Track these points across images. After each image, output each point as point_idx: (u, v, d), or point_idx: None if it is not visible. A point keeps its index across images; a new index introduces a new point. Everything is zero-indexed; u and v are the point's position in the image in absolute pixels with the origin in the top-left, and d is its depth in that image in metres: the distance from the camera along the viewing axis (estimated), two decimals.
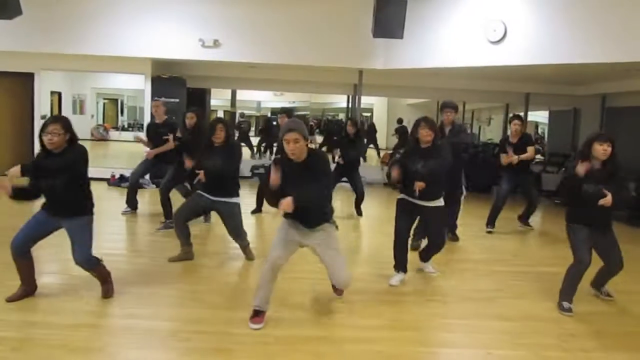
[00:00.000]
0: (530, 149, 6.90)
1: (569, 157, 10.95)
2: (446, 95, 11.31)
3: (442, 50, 8.41)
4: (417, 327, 3.87)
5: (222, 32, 9.15)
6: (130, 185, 7.26)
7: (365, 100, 10.70)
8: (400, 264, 4.84)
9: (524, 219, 7.42)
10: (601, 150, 4.12)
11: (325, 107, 20.29)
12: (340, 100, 17.08)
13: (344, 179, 7.58)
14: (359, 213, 7.74)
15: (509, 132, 7.15)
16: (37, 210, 3.99)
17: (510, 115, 7.49)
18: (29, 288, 4.05)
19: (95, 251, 5.15)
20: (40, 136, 3.72)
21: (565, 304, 4.27)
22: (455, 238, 6.44)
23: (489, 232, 7.06)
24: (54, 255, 5.14)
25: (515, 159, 6.77)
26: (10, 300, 3.93)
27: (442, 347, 3.67)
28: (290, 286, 4.51)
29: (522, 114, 11.26)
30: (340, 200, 8.67)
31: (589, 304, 4.46)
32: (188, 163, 5.19)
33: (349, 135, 7.42)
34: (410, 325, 3.89)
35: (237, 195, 5.14)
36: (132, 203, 7.27)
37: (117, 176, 9.73)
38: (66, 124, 3.76)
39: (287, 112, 7.70)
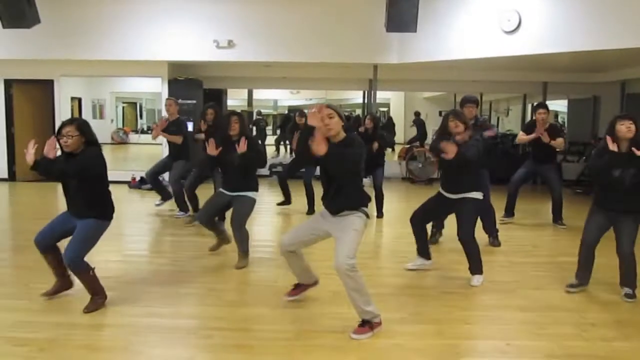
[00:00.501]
0: (560, 140, 6.78)
1: (589, 146, 10.81)
2: (463, 88, 11.27)
3: (456, 42, 8.35)
4: (437, 320, 3.87)
5: (236, 32, 9.21)
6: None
7: (382, 95, 10.68)
8: (419, 249, 4.97)
9: (557, 219, 7.07)
10: (624, 128, 4.08)
11: (341, 104, 20.28)
12: (356, 96, 17.05)
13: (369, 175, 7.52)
14: (380, 214, 7.52)
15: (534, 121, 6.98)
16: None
17: (534, 104, 7.31)
18: (63, 283, 4.14)
19: (118, 252, 5.28)
20: (57, 139, 3.80)
21: (570, 281, 4.52)
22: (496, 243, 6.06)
23: (502, 222, 6.84)
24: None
25: (544, 136, 6.62)
26: (46, 294, 4.04)
27: (462, 339, 3.66)
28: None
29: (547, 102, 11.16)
30: None
31: (610, 293, 4.42)
32: (211, 149, 5.07)
33: (367, 131, 7.41)
34: (430, 318, 3.90)
35: (256, 190, 5.13)
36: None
37: (137, 179, 9.86)
38: (80, 126, 3.80)
39: (300, 111, 7.95)
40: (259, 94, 17.26)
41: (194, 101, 10.01)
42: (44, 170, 3.79)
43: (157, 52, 9.32)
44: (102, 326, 3.67)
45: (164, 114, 7.43)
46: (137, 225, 6.97)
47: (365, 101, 12.10)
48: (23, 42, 8.95)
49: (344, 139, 3.53)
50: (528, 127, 7.03)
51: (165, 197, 7.38)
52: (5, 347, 3.33)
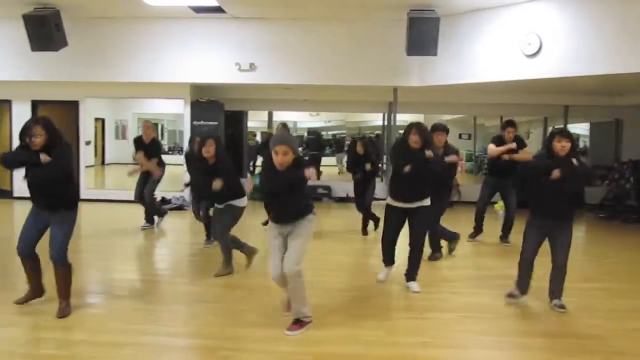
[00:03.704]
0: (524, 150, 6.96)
1: (612, 170, 10.67)
2: (483, 110, 11.29)
3: (477, 65, 8.36)
4: (458, 345, 3.82)
5: (257, 55, 9.33)
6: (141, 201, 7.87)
7: (401, 117, 10.63)
8: (388, 258, 5.22)
9: (503, 237, 7.17)
10: (559, 146, 4.30)
11: (361, 126, 20.32)
12: (375, 119, 17.07)
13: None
14: (364, 232, 7.81)
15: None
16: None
17: (504, 121, 7.37)
18: (35, 291, 4.31)
19: (139, 272, 5.32)
20: (21, 138, 3.97)
21: (511, 291, 4.69)
22: (437, 257, 6.29)
23: (470, 241, 7.21)
24: (99, 276, 5.31)
25: (513, 145, 6.90)
26: (19, 303, 4.21)
27: None
28: (330, 303, 4.56)
29: (562, 126, 11.05)
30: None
31: (636, 321, 4.33)
32: (217, 184, 5.25)
33: (359, 154, 7.69)
34: (450, 343, 3.84)
35: (239, 197, 5.35)
36: (150, 218, 7.94)
37: (158, 199, 9.93)
38: (46, 125, 3.98)
39: (284, 125, 8.24)
40: (279, 116, 17.36)
41: (216, 123, 10.13)
42: None
43: (180, 75, 9.48)
44: (123, 345, 3.67)
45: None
46: (157, 245, 7.00)
47: (386, 124, 12.11)
48: (50, 64, 9.18)
49: (289, 166, 3.74)
50: (495, 141, 7.16)
51: (156, 214, 7.98)
52: None
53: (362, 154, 7.65)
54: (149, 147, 7.67)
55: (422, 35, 7.91)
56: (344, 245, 7.19)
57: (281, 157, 3.66)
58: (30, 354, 3.51)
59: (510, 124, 7.10)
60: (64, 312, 4.14)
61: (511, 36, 7.83)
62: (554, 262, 4.54)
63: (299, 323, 3.94)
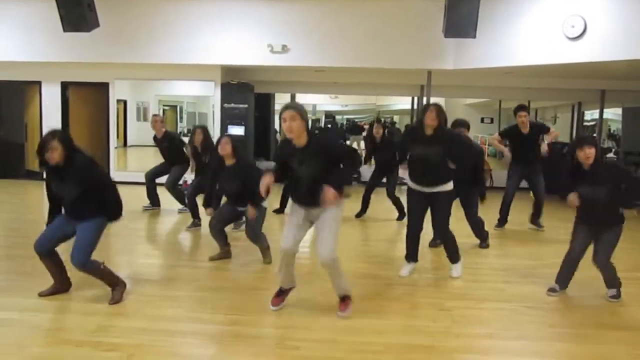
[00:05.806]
0: (553, 133, 7.13)
1: None
2: (514, 94, 11.07)
3: (516, 48, 8.16)
4: (527, 337, 3.72)
5: (290, 37, 9.19)
6: (147, 185, 7.87)
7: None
8: (411, 255, 5.01)
9: (534, 219, 7.11)
10: (583, 156, 4.10)
11: (381, 110, 20.11)
12: (398, 102, 16.90)
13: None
14: (399, 217, 7.53)
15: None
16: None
17: (515, 107, 7.15)
18: (59, 286, 4.24)
19: (187, 259, 5.26)
20: (39, 153, 3.85)
21: (552, 285, 4.56)
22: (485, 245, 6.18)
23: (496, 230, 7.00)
24: (154, 265, 5.28)
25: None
26: (42, 295, 4.16)
27: (559, 358, 3.49)
28: (381, 292, 4.52)
29: (597, 111, 10.85)
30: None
31: None
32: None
33: (376, 138, 7.48)
34: (518, 335, 3.75)
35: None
36: (154, 200, 7.94)
37: (188, 182, 9.86)
38: (61, 138, 3.86)
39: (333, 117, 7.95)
40: (299, 99, 17.17)
41: (246, 105, 10.01)
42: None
43: (211, 56, 9.37)
44: (186, 333, 3.62)
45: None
46: (195, 231, 6.88)
47: (415, 107, 11.94)
48: (80, 45, 9.09)
49: (309, 142, 3.62)
50: (509, 132, 7.17)
51: (154, 203, 7.93)
52: (95, 353, 3.31)
53: (379, 137, 7.44)
54: (163, 144, 7.50)
55: (461, 17, 7.70)
56: (379, 232, 7.13)
57: (289, 123, 3.51)
58: (94, 341, 3.45)
59: (522, 108, 6.97)
60: (114, 299, 4.10)
61: (553, 18, 7.61)
62: (594, 262, 4.39)
63: (345, 301, 3.95)
